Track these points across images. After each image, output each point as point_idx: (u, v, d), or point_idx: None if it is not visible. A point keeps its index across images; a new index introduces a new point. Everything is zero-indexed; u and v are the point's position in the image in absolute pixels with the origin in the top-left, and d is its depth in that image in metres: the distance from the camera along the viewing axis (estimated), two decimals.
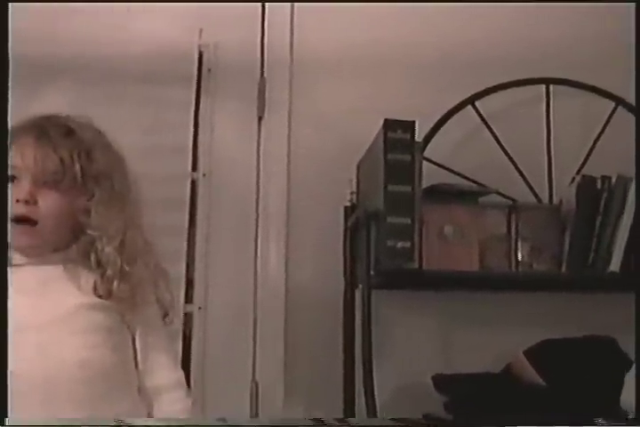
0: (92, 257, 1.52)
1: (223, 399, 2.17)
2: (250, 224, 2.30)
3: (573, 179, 2.22)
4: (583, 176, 2.20)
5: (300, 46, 2.37)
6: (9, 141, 1.51)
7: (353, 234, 2.21)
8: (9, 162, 1.50)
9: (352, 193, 2.27)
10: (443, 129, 2.32)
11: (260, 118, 2.35)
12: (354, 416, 2.12)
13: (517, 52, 2.41)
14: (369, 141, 2.14)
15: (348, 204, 2.26)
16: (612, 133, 2.38)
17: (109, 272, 1.51)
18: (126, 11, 2.27)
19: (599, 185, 2.17)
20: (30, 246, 1.52)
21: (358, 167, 2.28)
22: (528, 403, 2.00)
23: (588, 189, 2.17)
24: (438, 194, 2.13)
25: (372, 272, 2.03)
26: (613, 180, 2.17)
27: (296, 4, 2.37)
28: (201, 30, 2.32)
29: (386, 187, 1.99)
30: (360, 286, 2.11)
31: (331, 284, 2.24)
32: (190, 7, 2.31)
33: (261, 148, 2.34)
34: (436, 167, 2.28)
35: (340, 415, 2.13)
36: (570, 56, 2.41)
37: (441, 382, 2.13)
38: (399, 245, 1.97)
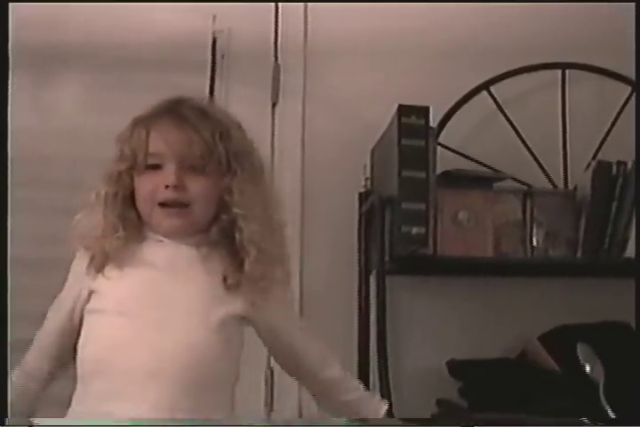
0: (237, 236, 1.49)
1: (238, 387, 2.18)
2: None
3: (589, 164, 2.21)
4: (599, 162, 2.19)
5: (313, 32, 2.36)
6: (139, 129, 1.50)
7: (367, 219, 2.21)
8: (149, 149, 1.48)
9: (366, 179, 2.27)
10: (457, 114, 2.32)
11: (274, 104, 2.35)
12: None
13: (533, 37, 2.39)
14: (383, 127, 2.13)
15: (363, 189, 2.26)
16: (628, 118, 2.36)
17: (253, 252, 1.48)
18: None
19: (615, 170, 2.16)
20: (181, 228, 1.51)
21: (372, 153, 2.28)
22: (542, 389, 2.00)
23: (603, 174, 2.16)
24: (453, 179, 2.12)
25: (386, 258, 2.04)
26: (629, 165, 2.15)
27: None
28: (214, 16, 2.31)
29: (400, 172, 1.98)
30: (374, 271, 2.11)
31: (345, 269, 2.25)
32: None
33: (275, 133, 2.34)
34: (450, 153, 2.27)
35: None
36: (586, 41, 2.39)
37: (455, 367, 2.13)
38: (414, 230, 1.97)
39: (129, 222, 1.51)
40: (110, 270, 1.49)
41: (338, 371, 1.59)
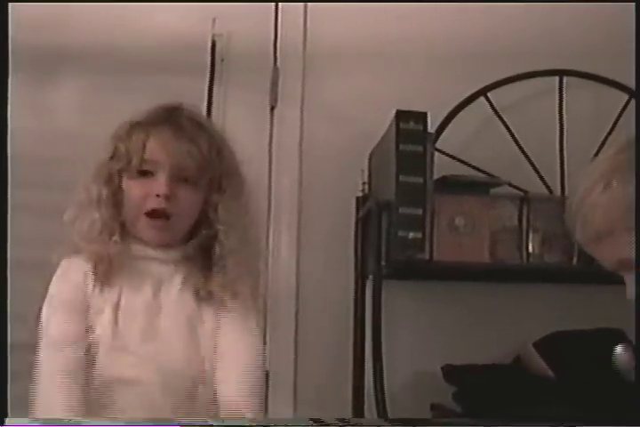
0: (218, 249, 1.50)
1: None
2: (261, 214, 2.30)
3: None
4: None
5: (313, 36, 2.37)
6: (138, 133, 1.49)
7: (364, 224, 2.22)
8: (146, 155, 1.48)
9: (364, 183, 2.27)
10: (455, 120, 2.32)
11: (272, 108, 2.35)
12: (362, 409, 2.12)
13: (531, 44, 2.40)
14: (381, 132, 2.14)
15: (360, 194, 2.27)
16: (625, 125, 2.37)
17: (230, 263, 1.49)
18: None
19: None
20: (163, 240, 1.52)
21: (370, 158, 2.28)
22: (536, 395, 2.01)
23: None
24: (450, 185, 2.13)
25: (382, 262, 2.04)
26: None
27: None
28: (214, 20, 2.32)
29: (397, 177, 1.99)
30: (371, 276, 2.12)
31: (341, 274, 2.25)
32: None
33: (273, 137, 2.34)
34: (447, 158, 2.28)
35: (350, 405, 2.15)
36: (584, 48, 2.40)
37: (450, 372, 2.13)
38: (410, 235, 1.97)
39: (120, 226, 1.50)
40: (110, 288, 1.48)
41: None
